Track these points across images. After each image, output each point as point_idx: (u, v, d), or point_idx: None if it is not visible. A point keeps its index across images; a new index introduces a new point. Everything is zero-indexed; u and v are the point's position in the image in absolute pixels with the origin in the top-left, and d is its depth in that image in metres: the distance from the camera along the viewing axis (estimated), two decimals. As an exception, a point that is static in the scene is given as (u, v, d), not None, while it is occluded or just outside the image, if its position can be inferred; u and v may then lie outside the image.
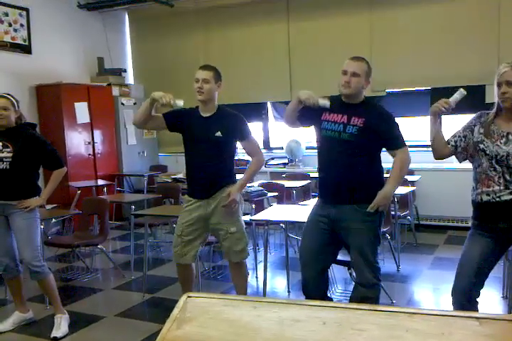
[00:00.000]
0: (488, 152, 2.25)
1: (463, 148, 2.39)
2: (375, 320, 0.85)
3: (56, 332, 3.18)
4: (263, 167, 6.58)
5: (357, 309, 0.89)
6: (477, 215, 2.37)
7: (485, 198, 2.28)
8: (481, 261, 2.29)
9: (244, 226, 3.27)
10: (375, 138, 2.67)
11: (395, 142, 2.72)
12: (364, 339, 0.82)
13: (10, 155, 3.11)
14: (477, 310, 2.33)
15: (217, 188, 3.11)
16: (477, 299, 2.32)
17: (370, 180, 2.72)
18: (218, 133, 3.05)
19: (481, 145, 2.28)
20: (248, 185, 4.94)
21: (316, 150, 2.92)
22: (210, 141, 3.06)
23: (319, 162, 2.87)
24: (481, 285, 2.33)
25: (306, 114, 2.81)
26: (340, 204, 2.70)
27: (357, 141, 2.64)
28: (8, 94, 3.24)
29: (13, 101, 3.20)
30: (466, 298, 2.30)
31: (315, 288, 2.81)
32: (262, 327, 0.90)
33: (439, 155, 2.51)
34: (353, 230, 2.68)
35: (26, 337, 3.22)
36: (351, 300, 2.83)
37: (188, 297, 1.00)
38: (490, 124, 2.28)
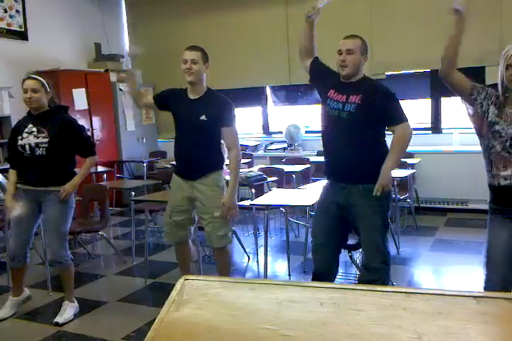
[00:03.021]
0: (503, 134, 2.18)
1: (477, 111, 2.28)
2: (373, 300, 0.85)
3: (59, 318, 3.20)
4: (262, 152, 6.68)
5: (354, 289, 0.89)
6: (496, 199, 2.26)
7: (503, 182, 2.19)
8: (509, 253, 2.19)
9: None
10: (373, 114, 2.61)
11: (393, 117, 2.65)
12: (362, 319, 0.82)
13: (46, 140, 3.02)
14: None
15: (204, 173, 3.10)
16: None
17: (373, 160, 2.68)
18: (203, 117, 3.03)
19: (497, 127, 2.18)
20: (248, 170, 4.95)
21: (321, 131, 2.89)
22: (194, 125, 3.05)
23: (324, 140, 2.84)
24: None
25: (319, 72, 2.82)
26: (346, 183, 2.68)
27: (355, 118, 2.61)
28: (39, 75, 3.13)
29: (44, 82, 3.07)
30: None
31: (326, 272, 2.81)
32: (259, 308, 0.90)
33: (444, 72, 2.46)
34: (361, 215, 2.67)
35: (30, 323, 3.25)
36: (358, 282, 2.84)
37: (186, 279, 1.01)
38: (503, 107, 2.23)
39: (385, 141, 2.77)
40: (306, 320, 0.84)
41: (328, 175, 2.84)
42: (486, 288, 2.28)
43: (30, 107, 3.12)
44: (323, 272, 2.81)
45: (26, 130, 3.08)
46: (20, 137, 3.08)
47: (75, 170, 3.27)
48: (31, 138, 3.04)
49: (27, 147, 3.05)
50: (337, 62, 2.65)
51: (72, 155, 3.21)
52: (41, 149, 3.03)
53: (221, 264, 3.32)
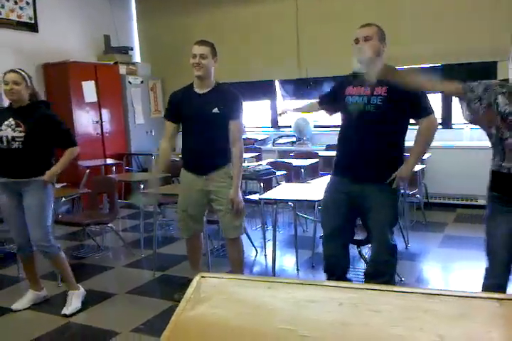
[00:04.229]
0: None
1: (473, 109, 2.26)
2: (391, 300, 0.84)
3: (66, 309, 3.23)
4: (271, 145, 6.66)
5: (373, 289, 0.88)
6: (500, 187, 2.23)
7: None
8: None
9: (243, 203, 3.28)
10: (400, 106, 2.55)
11: (420, 109, 2.59)
12: (381, 320, 0.81)
13: (22, 135, 3.07)
14: None
15: (214, 167, 3.12)
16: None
17: (392, 157, 2.68)
18: (215, 110, 3.04)
19: (511, 117, 2.12)
20: (256, 163, 4.94)
21: (340, 129, 2.84)
22: (206, 118, 3.05)
23: (341, 137, 2.78)
24: None
25: (331, 103, 2.84)
26: (363, 182, 2.64)
27: (382, 111, 2.55)
28: (20, 69, 3.17)
29: (25, 75, 3.12)
30: (501, 288, 2.22)
31: (336, 264, 2.82)
32: (276, 307, 0.89)
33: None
34: (374, 208, 2.65)
35: (39, 314, 3.28)
36: (365, 275, 2.84)
37: (202, 277, 1.00)
38: None
39: (404, 140, 2.73)
40: (324, 320, 0.84)
41: (341, 171, 2.79)
42: (485, 278, 2.30)
43: (10, 99, 3.16)
44: (334, 262, 2.82)
45: (6, 122, 3.11)
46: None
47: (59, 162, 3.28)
48: (9, 130, 3.09)
49: (4, 139, 3.09)
50: (354, 51, 2.57)
51: (50, 148, 3.22)
52: (17, 143, 3.07)
53: (234, 255, 3.34)
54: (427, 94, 2.64)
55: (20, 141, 3.07)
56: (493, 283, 2.26)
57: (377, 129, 2.59)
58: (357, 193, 2.67)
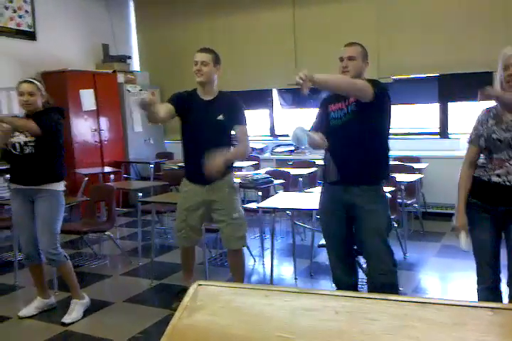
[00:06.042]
0: (502, 138, 2.22)
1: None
2: (387, 309, 0.85)
3: (67, 318, 3.22)
4: (269, 154, 6.67)
5: (368, 298, 0.89)
6: (480, 195, 2.33)
7: (494, 179, 2.25)
8: (495, 247, 2.32)
9: (243, 213, 3.27)
10: (370, 108, 2.59)
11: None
12: (377, 329, 0.82)
13: (33, 138, 3.09)
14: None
15: (220, 175, 3.05)
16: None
17: (377, 158, 2.71)
18: (220, 117, 3.06)
19: (494, 136, 2.25)
20: (254, 172, 4.95)
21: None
22: (211, 125, 3.06)
23: (327, 149, 2.84)
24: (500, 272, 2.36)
25: (319, 118, 2.87)
26: (350, 185, 2.68)
27: (358, 115, 2.62)
28: (34, 79, 3.21)
29: (39, 85, 3.16)
30: (494, 290, 2.34)
31: (343, 274, 2.82)
32: (273, 315, 0.90)
33: None
34: (367, 211, 2.66)
35: (37, 322, 3.26)
36: (370, 290, 2.79)
37: (199, 285, 1.00)
38: (501, 115, 2.27)
39: (387, 141, 2.76)
40: (321, 328, 0.84)
41: (329, 179, 2.82)
42: (477, 283, 2.40)
43: (26, 110, 3.20)
44: (340, 272, 2.83)
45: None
46: (11, 135, 3.14)
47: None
48: (21, 137, 3.12)
49: (17, 145, 3.11)
50: (339, 69, 2.70)
51: (60, 151, 3.23)
52: (30, 147, 3.10)
53: (236, 266, 3.33)
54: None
55: (31, 145, 3.09)
56: (484, 287, 2.37)
57: (356, 133, 2.64)
58: (348, 201, 2.69)
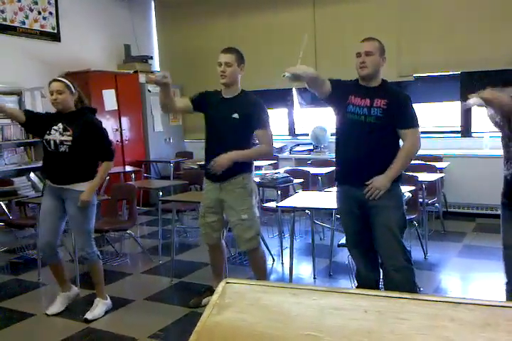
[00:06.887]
0: None
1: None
2: (417, 309, 0.84)
3: (89, 314, 3.26)
4: (288, 154, 6.66)
5: (399, 298, 0.88)
6: (507, 193, 2.30)
7: None
8: None
9: (258, 215, 3.22)
10: (397, 119, 2.66)
11: (407, 120, 2.68)
12: (407, 329, 0.82)
13: (70, 139, 3.12)
14: None
15: (232, 174, 3.05)
16: None
17: (392, 160, 2.70)
18: (235, 115, 3.05)
19: None
20: (274, 171, 4.95)
21: (336, 133, 2.91)
22: (226, 122, 3.06)
23: (340, 145, 2.84)
24: None
25: (337, 94, 2.76)
26: (363, 185, 2.69)
27: (382, 122, 2.64)
28: (63, 77, 3.24)
29: (68, 83, 3.18)
30: None
31: (366, 270, 2.83)
32: (301, 314, 0.90)
33: None
34: (381, 207, 2.66)
35: (59, 319, 3.31)
36: (385, 287, 2.80)
37: (227, 283, 1.01)
38: None
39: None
40: (350, 327, 0.84)
41: (344, 181, 2.82)
42: (507, 284, 2.35)
43: (56, 108, 3.23)
44: (363, 267, 2.85)
45: (55, 127, 3.18)
46: (48, 132, 3.18)
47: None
48: (57, 135, 3.15)
49: (52, 142, 3.15)
50: (356, 65, 2.67)
51: (95, 154, 3.24)
52: (65, 147, 3.13)
53: (255, 265, 3.33)
54: (415, 107, 2.72)
55: (67, 145, 3.12)
56: None
57: (376, 140, 2.66)
58: (363, 198, 2.70)
